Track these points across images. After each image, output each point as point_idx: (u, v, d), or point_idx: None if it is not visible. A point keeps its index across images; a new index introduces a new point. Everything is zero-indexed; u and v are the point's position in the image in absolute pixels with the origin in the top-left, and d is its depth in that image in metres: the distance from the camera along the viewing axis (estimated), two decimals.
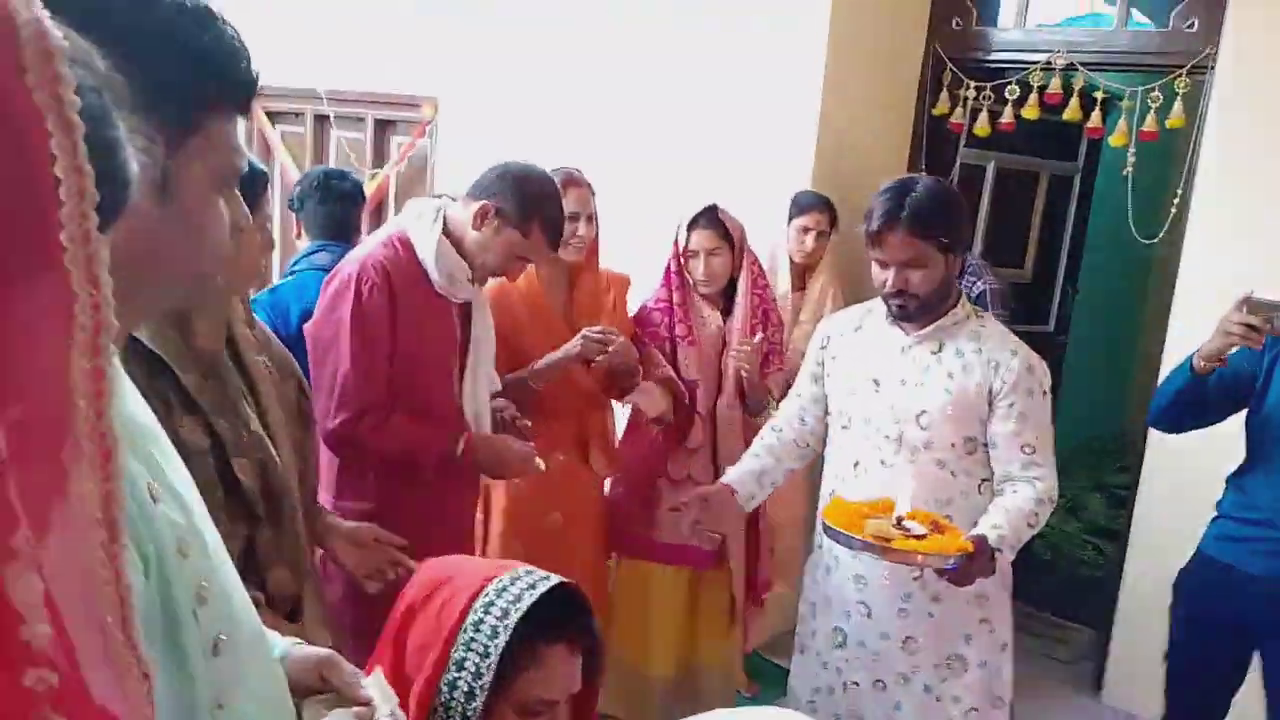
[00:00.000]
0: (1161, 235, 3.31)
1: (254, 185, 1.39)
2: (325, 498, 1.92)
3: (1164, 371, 3.11)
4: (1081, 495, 5.62)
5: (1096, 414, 6.08)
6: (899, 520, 1.80)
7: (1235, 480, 2.26)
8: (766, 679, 3.17)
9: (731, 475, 2.13)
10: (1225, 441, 2.30)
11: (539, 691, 1.13)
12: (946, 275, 1.94)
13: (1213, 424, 2.27)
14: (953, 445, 1.95)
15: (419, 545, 1.70)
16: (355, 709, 0.95)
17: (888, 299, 1.96)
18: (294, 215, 2.68)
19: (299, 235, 2.67)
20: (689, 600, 2.67)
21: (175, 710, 0.69)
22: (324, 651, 1.00)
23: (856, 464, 2.03)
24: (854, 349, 2.07)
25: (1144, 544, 3.29)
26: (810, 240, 3.09)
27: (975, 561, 1.74)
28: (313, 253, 2.54)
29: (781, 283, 3.15)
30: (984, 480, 1.99)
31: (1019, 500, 1.88)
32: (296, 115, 4.89)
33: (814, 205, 3.11)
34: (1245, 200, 2.97)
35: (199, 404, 1.35)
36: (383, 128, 4.68)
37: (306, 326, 2.00)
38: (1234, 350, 2.05)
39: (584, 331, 2.34)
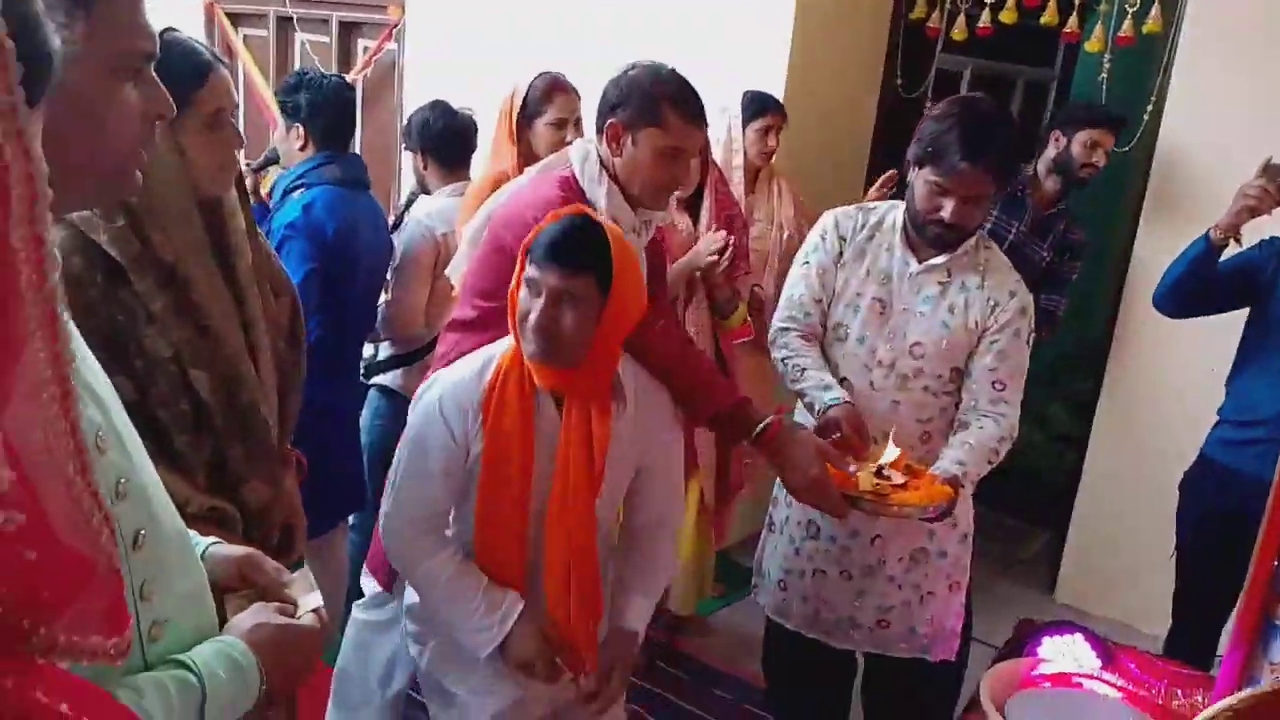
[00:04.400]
0: (1135, 142, 3.31)
1: (190, 76, 1.35)
2: None
3: (1131, 278, 3.19)
4: (1045, 406, 5.73)
5: (1065, 325, 6.15)
6: (879, 469, 1.81)
7: (1232, 384, 2.31)
8: (731, 580, 3.28)
9: (837, 392, 1.95)
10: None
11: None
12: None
13: (1216, 312, 2.31)
14: (940, 376, 1.99)
15: None
16: (277, 604, 0.93)
17: (929, 222, 1.89)
18: (288, 123, 2.44)
19: (304, 146, 2.42)
20: None
21: None
22: (244, 549, 0.99)
23: (843, 380, 2.02)
24: (863, 261, 2.03)
25: (1102, 446, 3.37)
26: (772, 139, 3.06)
27: (951, 503, 1.81)
28: (321, 164, 2.38)
29: (735, 190, 3.12)
30: (959, 402, 2.03)
31: (984, 436, 1.92)
32: (259, 17, 4.74)
33: (773, 105, 3.07)
34: (1219, 106, 2.97)
35: (152, 311, 1.33)
36: (348, 31, 4.54)
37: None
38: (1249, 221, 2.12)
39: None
